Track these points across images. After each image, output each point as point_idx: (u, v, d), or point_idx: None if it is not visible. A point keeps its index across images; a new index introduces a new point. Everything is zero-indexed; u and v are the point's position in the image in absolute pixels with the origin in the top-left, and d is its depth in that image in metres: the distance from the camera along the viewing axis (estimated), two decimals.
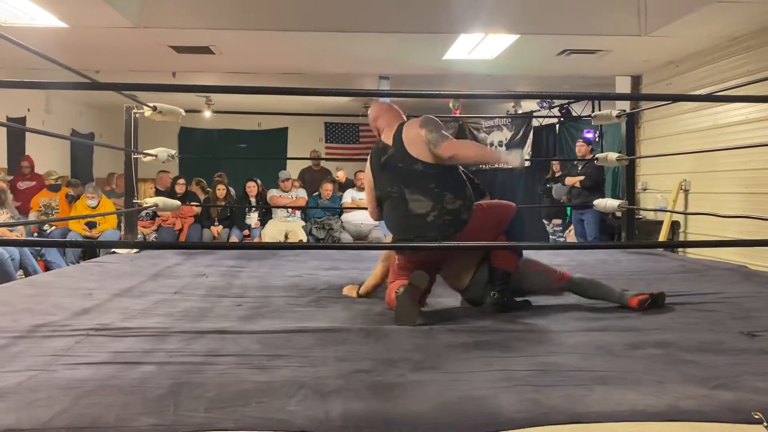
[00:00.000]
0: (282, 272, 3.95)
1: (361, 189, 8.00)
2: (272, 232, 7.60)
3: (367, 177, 3.03)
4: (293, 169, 9.11)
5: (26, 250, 5.84)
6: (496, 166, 10.46)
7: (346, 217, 7.83)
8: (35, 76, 7.15)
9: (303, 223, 7.84)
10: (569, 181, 7.15)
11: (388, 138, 2.89)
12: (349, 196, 8.02)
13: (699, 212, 5.55)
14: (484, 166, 10.45)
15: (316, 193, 8.13)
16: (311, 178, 8.77)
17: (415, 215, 2.74)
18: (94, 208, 7.13)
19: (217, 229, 7.64)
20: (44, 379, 1.70)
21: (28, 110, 8.14)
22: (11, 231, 6.07)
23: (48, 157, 8.53)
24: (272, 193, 7.93)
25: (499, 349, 2.07)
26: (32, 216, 7.47)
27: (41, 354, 1.95)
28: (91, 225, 7.11)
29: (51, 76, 6.84)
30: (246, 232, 7.78)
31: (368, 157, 2.99)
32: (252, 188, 7.89)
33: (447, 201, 2.73)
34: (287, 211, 7.80)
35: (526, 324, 2.50)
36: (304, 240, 7.56)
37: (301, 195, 7.98)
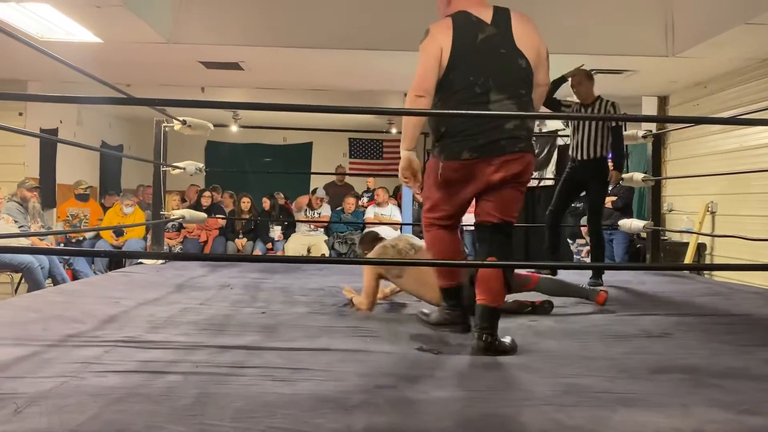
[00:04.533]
0: (305, 285, 3.98)
1: (382, 204, 8.02)
2: (295, 246, 7.65)
3: (435, 44, 2.39)
4: (316, 184, 9.20)
5: (55, 258, 5.95)
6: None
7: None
8: (69, 89, 7.32)
9: (326, 238, 7.89)
10: None
11: (483, 15, 2.43)
12: (371, 212, 8.05)
13: (725, 235, 5.47)
14: None
15: (339, 207, 8.18)
16: (336, 193, 8.82)
17: (491, 121, 2.39)
18: (127, 215, 7.28)
19: (241, 241, 7.72)
20: (74, 385, 1.74)
21: (60, 122, 8.31)
22: (41, 240, 6.20)
23: (78, 167, 8.70)
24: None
25: (522, 369, 2.07)
26: (59, 225, 7.64)
27: (71, 361, 1.99)
28: (119, 233, 7.24)
29: (84, 88, 7.00)
30: (269, 245, 7.86)
31: (444, 27, 2.42)
32: (266, 204, 8.07)
33: (530, 108, 2.46)
34: (310, 226, 7.86)
35: (549, 345, 2.49)
36: (326, 254, 7.60)
37: (324, 212, 8.05)
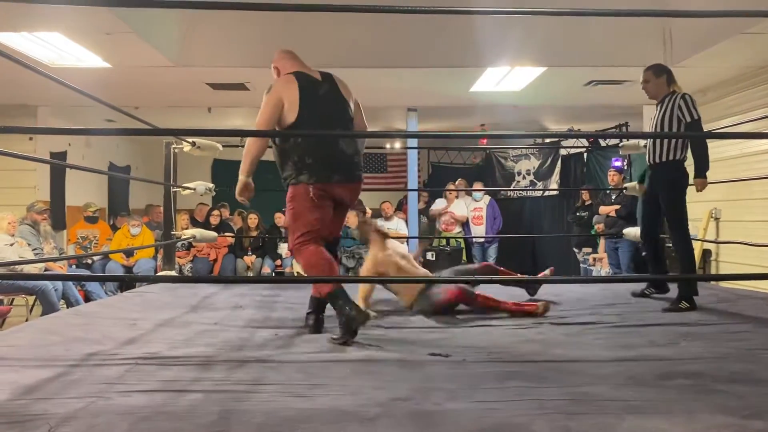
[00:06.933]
0: None
1: (388, 218, 8.10)
2: None
3: (278, 97, 2.89)
4: None
5: None
6: (511, 194, 10.47)
7: None
8: (78, 113, 7.47)
9: None
10: (604, 210, 7.15)
11: (315, 75, 3.02)
12: None
13: (729, 241, 5.52)
14: (511, 194, 10.52)
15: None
16: None
17: (346, 152, 2.98)
18: (135, 236, 7.39)
19: (250, 258, 7.80)
20: (102, 405, 1.81)
21: (69, 145, 8.44)
22: (55, 262, 6.28)
23: (87, 189, 8.83)
24: None
25: (532, 379, 2.12)
26: (71, 247, 7.75)
27: (96, 382, 2.06)
28: (129, 253, 7.34)
29: (93, 111, 7.14)
30: (278, 261, 7.93)
31: (288, 84, 2.92)
32: (279, 219, 8.10)
33: (362, 150, 3.12)
34: None
35: (557, 354, 2.55)
36: None
37: None
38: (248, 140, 3.01)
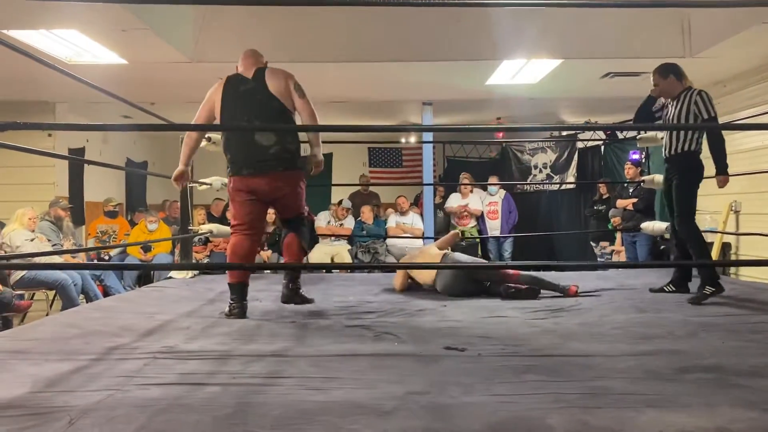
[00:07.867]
0: (331, 296, 4.07)
1: (404, 213, 8.09)
2: (319, 256, 7.75)
3: (209, 98, 3.40)
4: (338, 194, 9.31)
5: (87, 275, 6.10)
6: (528, 188, 10.41)
7: (391, 240, 7.92)
8: (95, 109, 7.53)
9: (349, 247, 7.96)
10: (621, 203, 7.09)
11: (247, 72, 3.38)
12: (393, 221, 8.12)
13: (750, 233, 5.45)
14: (527, 188, 10.47)
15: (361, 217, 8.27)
16: (361, 202, 8.89)
17: (259, 145, 3.26)
18: (152, 231, 7.46)
19: (266, 254, 7.82)
20: (121, 398, 1.84)
21: (87, 141, 8.51)
22: (74, 257, 6.36)
23: (105, 185, 8.91)
24: (318, 222, 8.11)
25: (548, 373, 2.11)
26: (90, 242, 7.83)
27: (115, 375, 2.09)
28: (147, 249, 7.41)
29: (110, 108, 7.20)
30: None
31: (218, 86, 3.39)
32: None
33: (288, 141, 3.33)
34: (332, 236, 7.97)
35: (574, 347, 2.53)
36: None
37: (347, 224, 8.14)
38: (186, 134, 3.52)
